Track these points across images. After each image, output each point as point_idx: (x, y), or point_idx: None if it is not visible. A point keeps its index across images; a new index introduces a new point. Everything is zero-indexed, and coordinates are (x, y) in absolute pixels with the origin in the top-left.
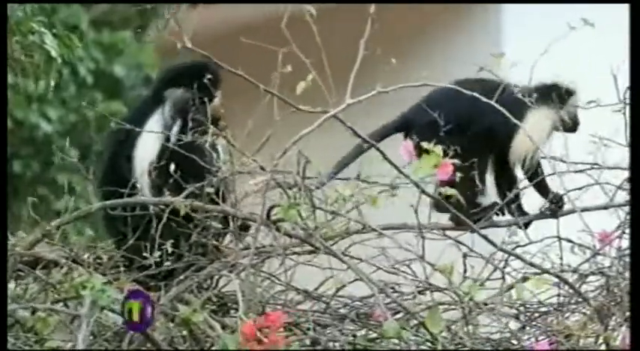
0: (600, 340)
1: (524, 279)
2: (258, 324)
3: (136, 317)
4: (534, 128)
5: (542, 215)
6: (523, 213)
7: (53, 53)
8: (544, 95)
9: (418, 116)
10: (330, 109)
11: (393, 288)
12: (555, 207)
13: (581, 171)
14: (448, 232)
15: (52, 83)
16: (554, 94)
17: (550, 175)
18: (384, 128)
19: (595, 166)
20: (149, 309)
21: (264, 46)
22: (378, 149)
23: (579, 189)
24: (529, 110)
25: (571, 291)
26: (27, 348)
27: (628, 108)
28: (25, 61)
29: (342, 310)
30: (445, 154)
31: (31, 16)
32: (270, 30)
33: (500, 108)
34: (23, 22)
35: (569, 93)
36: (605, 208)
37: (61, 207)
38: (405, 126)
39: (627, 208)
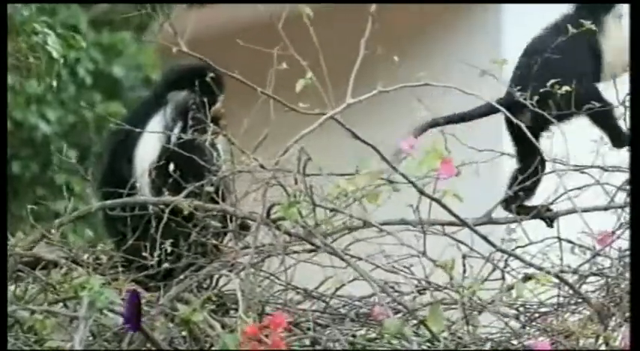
0: (600, 340)
1: (526, 278)
2: (261, 325)
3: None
4: (620, 38)
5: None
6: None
7: (54, 54)
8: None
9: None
10: (327, 109)
11: (393, 287)
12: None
13: (582, 171)
14: (447, 231)
15: (54, 84)
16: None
17: (550, 172)
18: (483, 107)
19: (595, 168)
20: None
21: (263, 47)
22: (375, 149)
23: (579, 188)
24: (604, 25)
25: (571, 291)
26: (27, 348)
27: (628, 110)
28: (33, 62)
29: (342, 310)
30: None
31: (34, 17)
32: (272, 29)
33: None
34: (27, 22)
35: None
36: (606, 209)
37: (59, 208)
38: (509, 104)
39: (627, 209)
